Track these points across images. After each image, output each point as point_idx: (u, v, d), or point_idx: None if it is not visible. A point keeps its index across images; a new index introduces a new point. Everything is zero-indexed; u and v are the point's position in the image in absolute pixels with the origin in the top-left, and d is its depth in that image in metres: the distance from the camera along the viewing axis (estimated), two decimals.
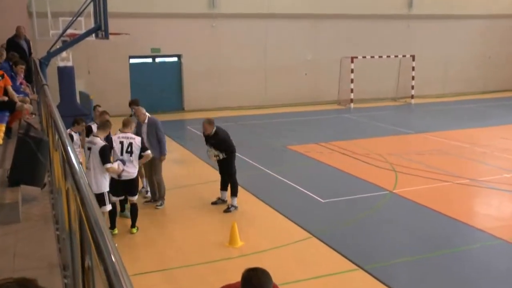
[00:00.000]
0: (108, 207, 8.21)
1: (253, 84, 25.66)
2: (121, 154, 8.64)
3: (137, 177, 8.89)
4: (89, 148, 8.06)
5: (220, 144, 9.79)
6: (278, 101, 26.15)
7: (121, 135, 8.81)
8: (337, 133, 18.72)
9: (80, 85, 20.79)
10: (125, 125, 8.91)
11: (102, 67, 22.82)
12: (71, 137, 9.07)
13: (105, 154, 8.02)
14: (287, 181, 11.95)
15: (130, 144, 8.70)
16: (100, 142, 8.07)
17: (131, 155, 8.69)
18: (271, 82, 25.94)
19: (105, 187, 8.09)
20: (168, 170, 11.87)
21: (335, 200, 10.67)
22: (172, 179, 11.74)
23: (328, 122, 21.40)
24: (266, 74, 25.88)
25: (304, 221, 9.39)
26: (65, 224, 3.32)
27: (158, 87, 24.24)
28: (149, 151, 8.97)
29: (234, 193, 10.04)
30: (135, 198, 8.91)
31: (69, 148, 2.84)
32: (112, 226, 8.77)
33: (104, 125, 8.43)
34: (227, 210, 9.99)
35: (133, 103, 10.99)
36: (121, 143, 8.69)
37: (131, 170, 8.72)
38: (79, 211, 2.00)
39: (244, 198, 10.72)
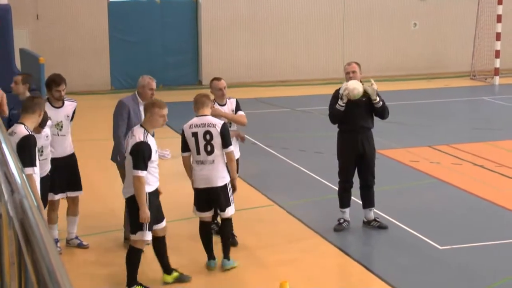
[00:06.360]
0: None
1: (322, 45, 25.66)
2: (198, 152, 9.06)
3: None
4: None
5: None
6: (366, 73, 25.92)
7: (196, 120, 9.19)
8: (468, 129, 18.44)
9: (21, 39, 21.06)
10: (202, 104, 9.32)
11: (61, 8, 23.16)
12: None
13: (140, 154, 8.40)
14: (379, 212, 11.86)
15: (209, 134, 9.05)
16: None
17: (210, 153, 9.06)
18: (352, 40, 25.87)
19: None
20: (176, 189, 12.01)
21: (461, 247, 10.60)
22: (183, 205, 11.76)
23: (453, 108, 21.19)
24: (346, 27, 25.81)
25: (410, 284, 9.34)
26: None
27: (158, 46, 24.50)
28: (232, 147, 9.36)
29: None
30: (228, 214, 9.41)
31: (3, 145, 2.86)
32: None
33: None
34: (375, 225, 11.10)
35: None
36: (195, 134, 9.06)
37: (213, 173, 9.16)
38: (20, 254, 2.00)
39: (305, 241, 10.81)
